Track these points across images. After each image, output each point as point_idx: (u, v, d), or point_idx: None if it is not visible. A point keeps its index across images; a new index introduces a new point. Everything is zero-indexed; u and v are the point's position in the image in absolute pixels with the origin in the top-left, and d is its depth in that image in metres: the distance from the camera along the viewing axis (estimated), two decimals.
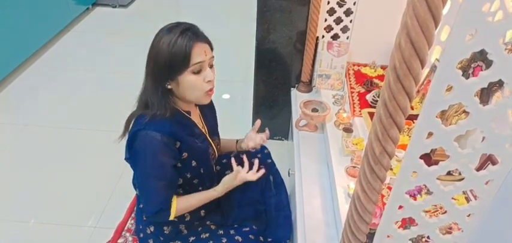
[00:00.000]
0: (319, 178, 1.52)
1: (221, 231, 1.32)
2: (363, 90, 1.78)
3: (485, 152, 0.65)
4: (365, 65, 1.97)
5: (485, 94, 1.11)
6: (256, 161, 1.35)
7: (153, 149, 1.10)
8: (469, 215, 0.76)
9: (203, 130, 1.29)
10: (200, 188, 1.30)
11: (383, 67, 1.95)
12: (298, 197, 1.45)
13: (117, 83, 2.92)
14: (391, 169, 1.29)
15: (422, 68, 0.55)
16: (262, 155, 1.58)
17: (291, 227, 1.44)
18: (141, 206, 1.27)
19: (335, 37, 1.92)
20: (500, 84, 1.04)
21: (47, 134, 2.37)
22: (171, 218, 1.19)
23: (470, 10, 0.51)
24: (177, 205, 1.19)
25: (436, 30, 0.52)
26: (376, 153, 0.64)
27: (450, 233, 0.83)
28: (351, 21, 1.86)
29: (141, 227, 1.32)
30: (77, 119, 2.51)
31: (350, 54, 1.93)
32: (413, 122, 1.42)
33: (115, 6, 4.20)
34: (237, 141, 1.48)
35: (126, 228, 1.48)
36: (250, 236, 1.32)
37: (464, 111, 1.18)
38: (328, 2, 1.82)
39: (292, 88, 2.14)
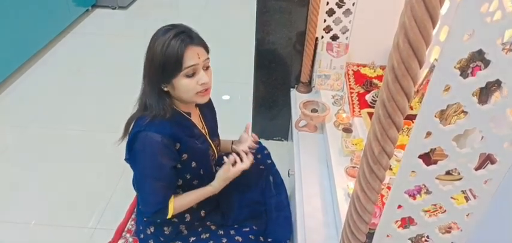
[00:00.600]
0: (319, 178, 1.53)
1: (221, 232, 1.33)
2: (362, 91, 1.79)
3: (484, 152, 0.66)
4: (364, 65, 1.97)
5: (484, 94, 1.12)
6: (250, 156, 1.34)
7: (152, 150, 1.10)
8: (468, 214, 0.77)
9: (203, 131, 1.29)
10: None
11: (382, 68, 1.95)
12: (298, 197, 1.45)
13: (117, 84, 2.93)
14: (391, 169, 1.30)
15: (420, 68, 0.55)
16: (262, 155, 1.59)
17: (291, 227, 1.45)
18: (140, 207, 1.28)
19: (334, 38, 1.92)
20: (498, 83, 1.04)
21: (47, 135, 2.38)
22: (169, 216, 1.19)
23: (467, 10, 0.52)
24: (174, 203, 1.19)
25: (433, 30, 0.53)
26: (375, 153, 0.64)
27: (449, 232, 0.83)
28: (350, 22, 1.87)
29: (141, 227, 1.32)
30: (77, 120, 2.51)
31: (349, 54, 1.93)
32: (413, 122, 1.42)
33: (115, 8, 4.21)
34: (232, 142, 1.48)
35: (126, 229, 1.48)
36: (250, 236, 1.32)
37: (463, 111, 1.18)
38: (328, 3, 1.83)
39: (291, 89, 2.14)
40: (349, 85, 1.83)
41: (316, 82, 1.96)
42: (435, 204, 1.02)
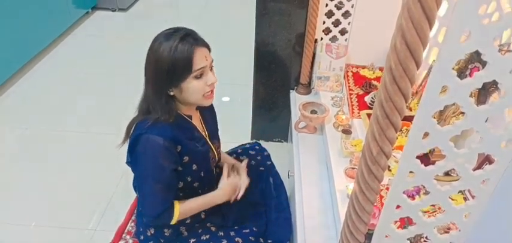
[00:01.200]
0: (318, 179, 1.53)
1: (221, 233, 1.33)
2: (361, 92, 1.79)
3: (481, 152, 0.66)
4: (363, 67, 1.98)
5: (482, 95, 1.12)
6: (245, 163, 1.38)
7: (153, 152, 1.11)
8: (466, 214, 0.77)
9: (203, 134, 1.30)
10: (200, 191, 1.31)
11: (381, 69, 1.96)
12: (297, 198, 1.46)
13: (117, 86, 2.93)
14: (390, 170, 1.30)
15: (417, 69, 0.56)
16: (262, 157, 1.59)
17: (290, 228, 1.45)
18: (141, 209, 1.28)
19: (333, 39, 1.93)
20: (496, 85, 1.04)
21: (47, 136, 2.38)
22: (173, 221, 1.19)
23: (464, 11, 0.52)
24: (180, 208, 1.19)
25: (431, 31, 0.53)
26: (374, 153, 0.65)
27: (448, 232, 0.84)
28: (349, 24, 1.88)
29: (141, 229, 1.32)
30: (77, 122, 2.52)
31: (348, 56, 1.94)
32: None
33: (115, 10, 4.22)
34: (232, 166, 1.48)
35: (126, 230, 1.48)
36: (250, 237, 1.33)
37: (461, 112, 1.19)
38: (327, 5, 1.83)
39: (291, 90, 2.15)
40: (349, 86, 1.84)
41: (315, 84, 1.97)
42: (434, 205, 1.02)
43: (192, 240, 1.29)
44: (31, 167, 2.16)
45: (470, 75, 1.17)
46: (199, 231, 1.33)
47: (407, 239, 0.83)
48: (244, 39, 2.82)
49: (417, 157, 0.67)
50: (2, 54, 2.68)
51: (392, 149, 0.65)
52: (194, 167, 1.23)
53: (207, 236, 1.31)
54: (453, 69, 0.57)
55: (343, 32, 1.91)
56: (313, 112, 1.72)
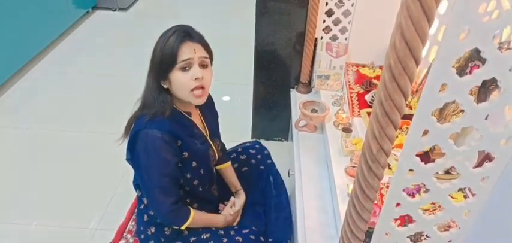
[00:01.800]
0: (318, 178, 1.53)
1: (222, 232, 1.33)
2: (361, 90, 1.79)
3: (481, 150, 0.66)
4: (364, 65, 1.98)
5: (482, 93, 1.12)
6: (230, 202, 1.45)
7: (154, 147, 1.11)
8: (466, 212, 0.77)
9: (204, 132, 1.30)
10: (200, 189, 1.31)
11: (381, 68, 1.96)
12: (298, 197, 1.46)
13: (117, 86, 2.93)
14: (390, 168, 1.30)
15: (417, 67, 0.56)
16: (262, 156, 1.59)
17: (291, 227, 1.45)
18: (151, 213, 1.28)
19: (334, 38, 1.93)
20: (496, 82, 1.04)
21: (47, 137, 2.38)
22: (185, 225, 1.23)
23: (463, 9, 0.52)
24: (194, 216, 1.24)
25: (430, 29, 0.53)
26: (373, 151, 0.65)
27: (448, 230, 0.84)
28: (349, 22, 1.87)
29: (142, 228, 1.33)
30: (77, 121, 2.52)
31: (349, 54, 1.94)
32: None
33: (115, 10, 4.22)
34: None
35: (127, 229, 1.48)
36: (250, 236, 1.33)
37: (461, 110, 1.19)
38: (327, 3, 1.83)
39: (291, 89, 2.15)
40: (349, 85, 1.84)
41: (315, 83, 1.97)
42: (434, 203, 1.02)
43: (193, 238, 1.30)
44: (31, 167, 2.16)
45: (470, 72, 1.17)
46: (200, 230, 1.33)
47: (408, 237, 0.83)
48: (244, 39, 2.83)
49: (417, 155, 0.67)
50: (2, 54, 2.68)
51: (393, 148, 0.65)
52: (194, 164, 1.23)
53: (208, 235, 1.31)
54: (453, 67, 0.57)
55: (343, 31, 1.91)
56: (314, 110, 1.72)
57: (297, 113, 1.80)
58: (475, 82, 0.58)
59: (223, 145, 1.48)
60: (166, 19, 3.95)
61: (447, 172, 1.18)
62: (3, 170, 2.13)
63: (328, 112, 1.69)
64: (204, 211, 1.34)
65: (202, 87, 1.15)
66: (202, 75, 1.13)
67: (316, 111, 1.72)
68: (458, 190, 0.74)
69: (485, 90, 1.11)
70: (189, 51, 1.11)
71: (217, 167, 1.46)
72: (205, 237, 1.31)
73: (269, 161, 1.59)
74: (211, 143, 1.32)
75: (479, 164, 1.03)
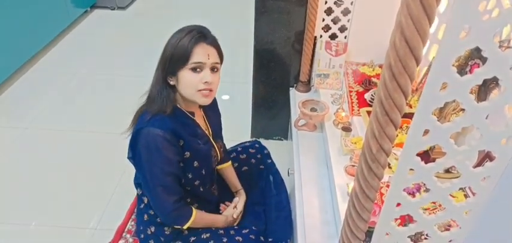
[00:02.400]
0: (318, 177, 1.53)
1: (222, 231, 1.33)
2: (361, 89, 1.79)
3: (481, 149, 0.66)
4: (363, 64, 1.98)
5: (483, 92, 1.12)
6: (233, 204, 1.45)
7: (156, 145, 1.11)
8: (467, 212, 0.77)
9: (206, 132, 1.29)
10: (201, 189, 1.31)
11: (381, 66, 1.95)
12: (297, 196, 1.45)
13: (116, 85, 2.93)
14: (390, 168, 1.30)
15: (417, 66, 0.56)
16: (262, 155, 1.59)
17: (291, 226, 1.45)
18: (152, 212, 1.27)
19: (333, 37, 1.92)
20: (497, 81, 1.04)
21: (46, 136, 2.38)
22: (188, 224, 1.23)
23: (464, 7, 0.52)
24: (196, 215, 1.24)
25: (430, 28, 0.53)
26: (373, 151, 0.64)
27: (449, 229, 0.83)
28: (348, 21, 1.87)
29: (141, 228, 1.32)
30: (76, 121, 2.52)
31: (348, 53, 1.93)
32: None
33: (113, 9, 4.21)
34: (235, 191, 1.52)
35: (126, 229, 1.48)
36: (250, 236, 1.32)
37: (462, 109, 1.18)
38: (326, 2, 1.82)
39: (291, 88, 2.15)
40: (348, 84, 1.84)
41: (315, 82, 1.96)
42: (434, 202, 1.02)
43: (192, 238, 1.29)
44: (31, 166, 2.15)
45: (471, 71, 1.16)
46: (200, 229, 1.33)
47: (408, 237, 0.83)
48: (243, 37, 2.82)
49: (417, 154, 0.67)
50: (1, 54, 2.67)
51: (393, 147, 0.64)
52: (195, 164, 1.23)
53: (208, 235, 1.31)
54: (453, 65, 0.56)
55: (342, 29, 1.90)
56: (313, 109, 1.72)
57: (297, 112, 1.80)
58: (475, 81, 0.58)
59: (224, 145, 1.47)
60: (165, 18, 3.96)
61: (447, 171, 1.17)
62: (2, 169, 2.12)
63: (328, 111, 1.68)
64: (204, 211, 1.33)
65: (210, 89, 1.15)
66: (212, 80, 1.14)
67: (316, 109, 1.72)
68: (459, 189, 0.74)
69: (485, 88, 1.11)
70: (202, 54, 1.11)
71: (218, 167, 1.46)
72: (205, 237, 1.31)
73: (269, 161, 1.58)
74: (214, 143, 1.32)
75: (480, 163, 1.03)
